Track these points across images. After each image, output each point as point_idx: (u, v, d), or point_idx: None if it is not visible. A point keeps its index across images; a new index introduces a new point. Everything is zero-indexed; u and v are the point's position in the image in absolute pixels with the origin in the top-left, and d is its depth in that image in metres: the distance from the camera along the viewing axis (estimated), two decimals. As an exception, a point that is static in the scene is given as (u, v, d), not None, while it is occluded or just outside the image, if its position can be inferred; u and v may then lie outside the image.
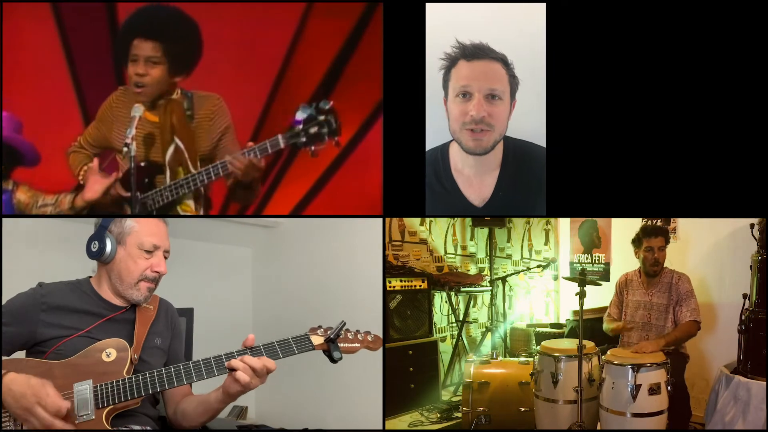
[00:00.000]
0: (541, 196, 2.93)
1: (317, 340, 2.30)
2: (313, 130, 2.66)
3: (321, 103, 2.69)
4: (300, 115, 2.68)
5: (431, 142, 2.99)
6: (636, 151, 3.04)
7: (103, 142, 3.01)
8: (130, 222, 2.38)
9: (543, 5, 2.94)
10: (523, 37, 2.90)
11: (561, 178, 3.00)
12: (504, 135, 2.85)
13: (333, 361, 2.28)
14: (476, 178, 2.90)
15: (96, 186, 2.77)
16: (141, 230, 2.36)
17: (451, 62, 2.82)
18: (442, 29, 2.90)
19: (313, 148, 2.68)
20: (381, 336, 2.43)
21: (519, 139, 2.91)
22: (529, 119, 2.91)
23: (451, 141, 2.91)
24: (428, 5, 2.95)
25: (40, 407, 2.03)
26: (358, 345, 2.36)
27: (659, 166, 3.03)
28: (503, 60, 2.80)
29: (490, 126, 2.80)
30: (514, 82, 2.82)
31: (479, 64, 2.79)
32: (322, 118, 2.66)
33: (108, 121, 2.95)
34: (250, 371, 2.14)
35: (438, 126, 2.93)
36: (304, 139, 2.67)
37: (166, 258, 2.41)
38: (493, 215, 3.19)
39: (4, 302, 2.29)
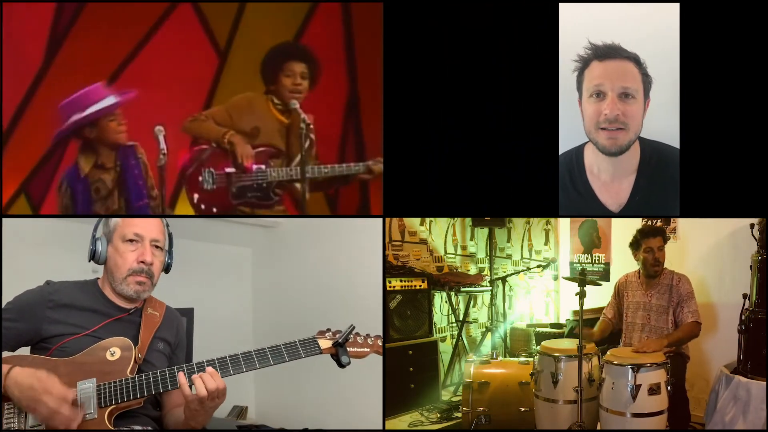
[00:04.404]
0: (676, 199, 2.92)
1: (325, 343, 2.27)
2: None
3: None
4: None
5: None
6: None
7: (226, 123, 3.54)
8: (116, 219, 2.41)
9: (677, 5, 2.92)
10: (656, 36, 2.89)
11: (695, 179, 2.98)
12: (639, 135, 2.85)
13: (341, 365, 2.25)
14: (613, 183, 2.90)
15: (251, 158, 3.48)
16: (124, 223, 2.38)
17: (584, 63, 2.84)
18: (574, 30, 2.91)
19: None
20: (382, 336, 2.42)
21: (654, 140, 2.89)
22: (661, 119, 2.89)
23: (586, 143, 2.90)
24: (562, 6, 2.94)
25: (46, 395, 2.05)
26: (368, 350, 2.32)
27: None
28: (635, 59, 2.81)
29: (624, 125, 2.81)
30: (647, 80, 2.83)
31: (611, 63, 2.81)
32: None
33: (241, 110, 3.56)
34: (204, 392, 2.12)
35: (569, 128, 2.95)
36: None
37: (159, 248, 2.40)
38: (629, 215, 3.14)
39: (11, 298, 2.31)
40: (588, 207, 2.92)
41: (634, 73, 2.81)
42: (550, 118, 3.03)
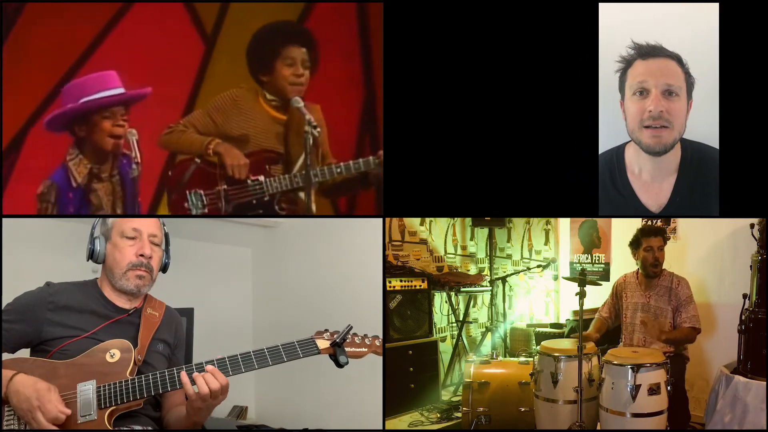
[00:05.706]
0: (716, 200, 2.91)
1: (323, 344, 2.28)
2: None
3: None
4: None
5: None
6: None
7: (210, 130, 3.15)
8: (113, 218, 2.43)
9: (716, 5, 2.90)
10: (696, 37, 2.88)
11: (735, 181, 2.97)
12: (682, 136, 2.85)
13: (339, 365, 2.26)
14: (654, 183, 2.88)
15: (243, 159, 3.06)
16: (122, 220, 2.40)
17: (626, 63, 2.84)
18: (615, 31, 2.90)
19: None
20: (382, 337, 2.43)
21: (695, 141, 2.89)
22: (702, 120, 2.88)
23: (627, 143, 2.90)
24: (602, 6, 2.93)
25: (39, 412, 2.06)
26: (366, 350, 2.33)
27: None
28: (678, 58, 2.82)
29: (668, 122, 2.80)
30: (689, 80, 2.83)
31: (655, 61, 2.81)
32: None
33: (226, 113, 3.15)
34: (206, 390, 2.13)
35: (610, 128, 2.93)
36: None
37: (157, 244, 2.41)
38: (667, 216, 3.13)
39: (11, 300, 2.31)
40: (628, 207, 2.90)
41: (677, 71, 2.81)
42: (550, 117, 3.03)
